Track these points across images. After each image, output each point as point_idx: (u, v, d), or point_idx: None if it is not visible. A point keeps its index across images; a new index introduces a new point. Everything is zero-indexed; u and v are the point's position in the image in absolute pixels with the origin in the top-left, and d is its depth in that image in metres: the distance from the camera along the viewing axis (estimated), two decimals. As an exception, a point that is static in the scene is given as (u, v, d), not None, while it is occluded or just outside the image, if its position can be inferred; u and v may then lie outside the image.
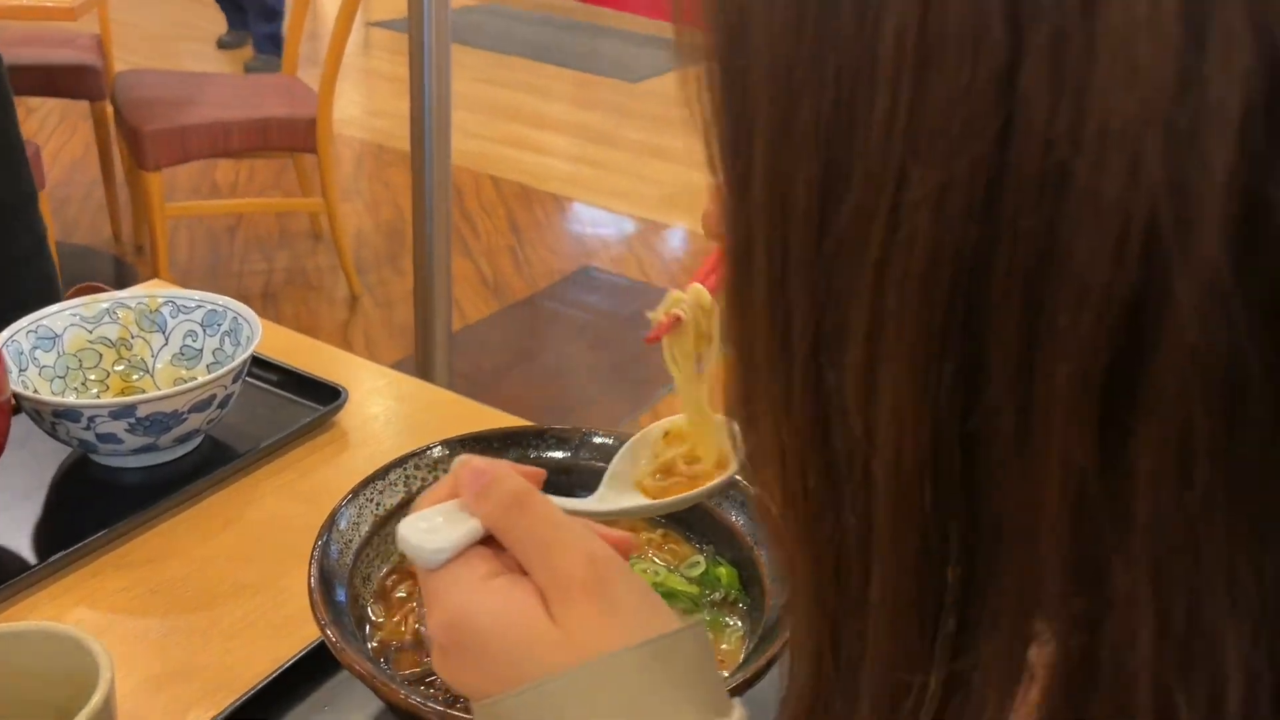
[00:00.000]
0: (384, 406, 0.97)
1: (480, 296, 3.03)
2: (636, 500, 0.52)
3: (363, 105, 4.69)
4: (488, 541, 0.37)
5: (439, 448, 0.71)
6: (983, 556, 0.28)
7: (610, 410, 2.53)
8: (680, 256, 3.40)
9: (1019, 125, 0.22)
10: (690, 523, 0.71)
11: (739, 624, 0.61)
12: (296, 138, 2.67)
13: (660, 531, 0.71)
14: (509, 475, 0.37)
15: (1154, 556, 0.24)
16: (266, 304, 2.91)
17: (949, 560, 0.28)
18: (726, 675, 0.58)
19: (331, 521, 0.64)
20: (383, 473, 0.68)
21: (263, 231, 3.32)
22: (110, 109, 2.81)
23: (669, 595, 0.65)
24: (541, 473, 0.40)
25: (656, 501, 0.52)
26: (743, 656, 0.59)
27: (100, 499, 0.82)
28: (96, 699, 0.52)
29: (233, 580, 0.76)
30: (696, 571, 0.68)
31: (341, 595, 0.60)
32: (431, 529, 0.36)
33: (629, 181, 3.98)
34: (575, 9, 6.11)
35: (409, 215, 3.55)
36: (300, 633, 0.71)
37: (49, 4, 2.27)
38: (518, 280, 3.15)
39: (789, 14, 0.25)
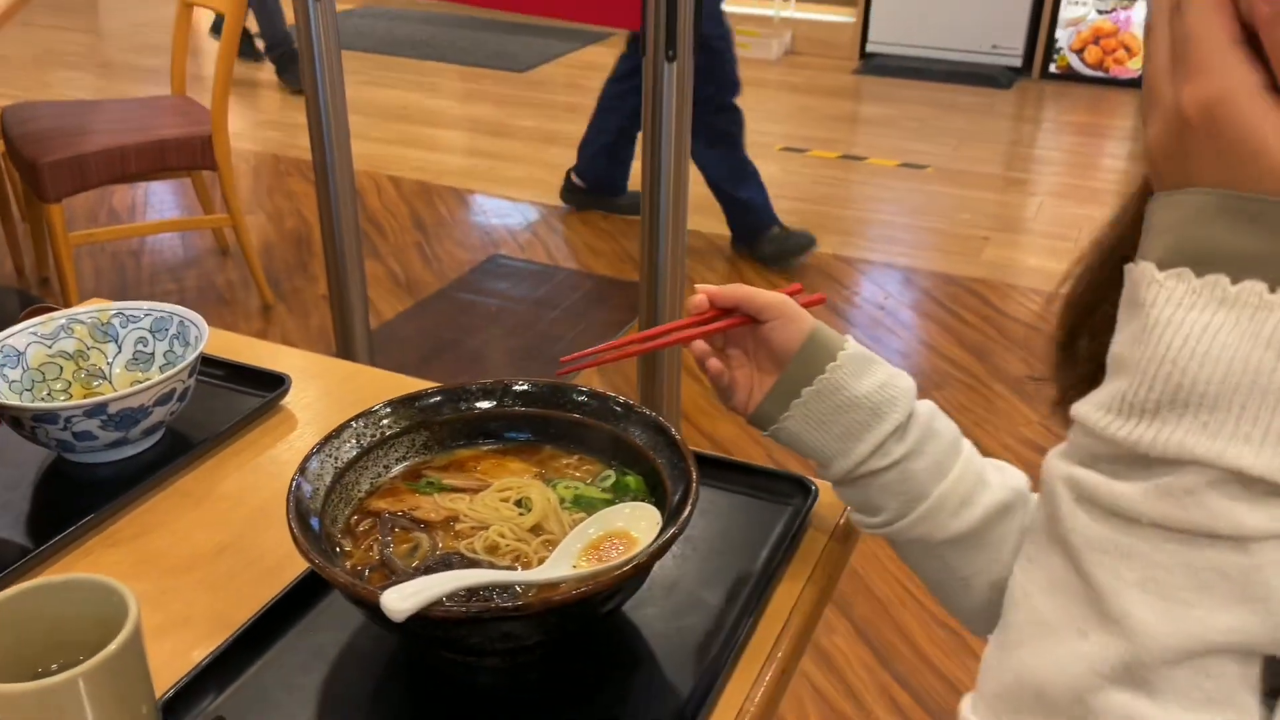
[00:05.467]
0: (323, 389, 1.08)
1: (394, 295, 3.11)
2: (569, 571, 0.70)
3: (249, 117, 4.70)
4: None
5: (384, 407, 0.83)
6: None
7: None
8: (586, 238, 3.52)
9: None
10: (600, 446, 0.84)
11: (654, 512, 0.75)
12: (194, 156, 2.72)
13: (576, 456, 0.85)
14: None
15: None
16: (182, 322, 2.95)
17: None
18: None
19: (302, 469, 0.76)
20: (337, 432, 0.80)
21: (168, 252, 3.35)
22: (0, 145, 2.83)
23: (589, 503, 0.79)
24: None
25: (591, 569, 0.70)
26: (657, 533, 0.73)
27: (81, 492, 0.92)
28: (127, 629, 0.63)
29: (213, 544, 0.87)
30: (609, 483, 0.82)
31: (316, 526, 0.73)
32: None
33: (526, 169, 4.08)
34: (455, 6, 6.16)
35: (314, 222, 3.64)
36: (279, 578, 0.82)
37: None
38: (428, 275, 3.25)
39: None
